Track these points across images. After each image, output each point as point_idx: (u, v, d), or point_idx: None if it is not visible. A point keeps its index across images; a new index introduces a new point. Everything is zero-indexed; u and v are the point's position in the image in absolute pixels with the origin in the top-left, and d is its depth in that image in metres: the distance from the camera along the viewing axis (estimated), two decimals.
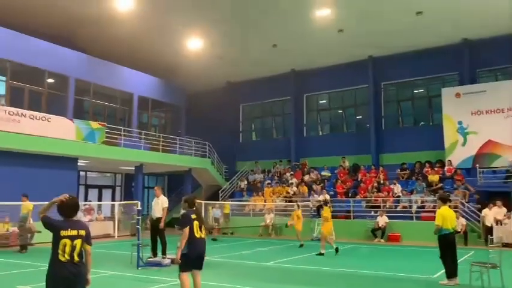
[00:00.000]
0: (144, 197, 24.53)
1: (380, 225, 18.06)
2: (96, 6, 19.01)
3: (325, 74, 25.11)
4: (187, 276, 6.48)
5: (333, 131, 26.31)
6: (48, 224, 4.47)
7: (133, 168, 22.22)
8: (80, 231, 4.53)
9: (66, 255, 4.38)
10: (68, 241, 4.41)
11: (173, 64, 24.76)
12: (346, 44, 22.03)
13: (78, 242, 4.48)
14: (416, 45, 21.79)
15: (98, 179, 25.73)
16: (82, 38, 21.87)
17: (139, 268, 10.63)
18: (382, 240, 17.75)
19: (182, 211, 11.44)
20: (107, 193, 25.87)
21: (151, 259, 11.44)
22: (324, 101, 26.66)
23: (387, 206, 19.06)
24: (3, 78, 18.51)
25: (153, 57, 23.98)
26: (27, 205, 14.41)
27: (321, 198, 19.96)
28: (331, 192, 21.09)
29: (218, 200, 23.04)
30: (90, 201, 22.56)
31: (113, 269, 10.56)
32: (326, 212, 14.00)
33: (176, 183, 26.80)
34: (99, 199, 24.81)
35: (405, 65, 22.81)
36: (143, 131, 22.54)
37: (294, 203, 17.81)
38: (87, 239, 4.60)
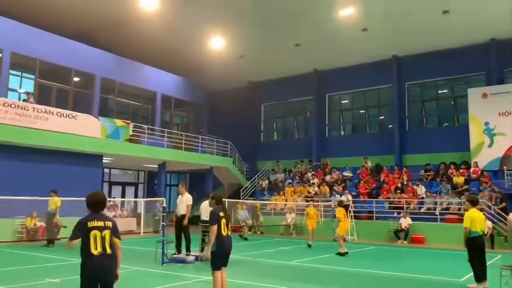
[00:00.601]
0: (166, 194, 24.81)
1: (403, 227, 17.83)
2: (122, 7, 19.34)
3: (348, 73, 24.92)
4: (219, 274, 6.50)
5: (355, 131, 26.09)
6: (76, 228, 4.59)
7: (156, 166, 22.49)
8: (106, 222, 4.62)
9: (98, 247, 4.46)
10: (97, 232, 4.49)
11: (196, 63, 24.96)
12: (370, 43, 21.82)
13: (107, 233, 4.54)
14: (442, 44, 21.44)
15: (121, 176, 26.12)
16: (108, 38, 22.24)
17: (164, 264, 10.76)
18: (406, 242, 17.53)
19: (200, 207, 11.63)
20: (130, 190, 26.24)
21: (175, 256, 11.56)
22: (347, 101, 26.46)
23: (411, 208, 18.80)
24: (32, 76, 19.01)
25: (176, 56, 24.23)
26: (55, 201, 14.74)
27: (343, 198, 19.82)
28: (353, 193, 20.93)
29: (239, 199, 23.09)
30: (114, 197, 22.95)
31: (138, 265, 10.70)
32: (339, 212, 13.82)
33: (198, 182, 26.99)
34: (123, 196, 25.19)
35: (430, 64, 22.45)
36: (166, 130, 22.78)
37: (310, 203, 17.75)
38: (114, 232, 4.65)
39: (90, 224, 4.53)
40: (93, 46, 20.65)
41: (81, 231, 4.51)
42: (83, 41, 20.25)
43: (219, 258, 6.51)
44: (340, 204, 14.60)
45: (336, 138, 26.18)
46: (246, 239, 18.27)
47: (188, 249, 11.67)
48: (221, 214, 6.63)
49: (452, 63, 21.74)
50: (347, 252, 13.27)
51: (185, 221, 11.58)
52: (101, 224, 4.56)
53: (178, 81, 25.38)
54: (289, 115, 28.36)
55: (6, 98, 16.83)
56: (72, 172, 17.43)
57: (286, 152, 26.69)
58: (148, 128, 21.78)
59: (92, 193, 4.84)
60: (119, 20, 20.45)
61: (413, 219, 17.98)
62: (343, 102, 26.57)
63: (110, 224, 4.64)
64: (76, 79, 20.43)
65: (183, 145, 22.84)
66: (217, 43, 22.42)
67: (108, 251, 4.52)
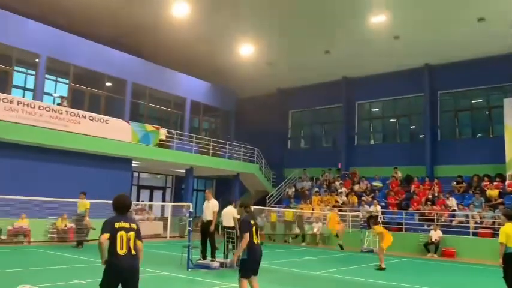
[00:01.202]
0: (193, 199, 24.97)
1: (433, 240, 17.31)
2: (154, 14, 19.71)
3: (378, 81, 24.55)
4: (247, 283, 6.44)
5: (385, 140, 25.60)
6: (104, 225, 4.70)
7: (184, 171, 22.68)
8: (131, 224, 4.77)
9: (124, 248, 4.59)
10: (123, 233, 4.63)
11: (225, 69, 25.14)
12: (401, 51, 21.44)
13: (132, 235, 4.69)
14: (477, 53, 20.84)
15: (149, 180, 26.48)
16: (139, 44, 22.71)
17: (189, 270, 10.77)
18: (436, 256, 17.01)
19: (222, 213, 11.60)
20: (157, 194, 26.56)
21: (200, 261, 11.57)
22: (377, 109, 26.05)
23: (442, 220, 18.26)
24: (66, 81, 19.54)
25: (205, 63, 24.47)
26: (85, 203, 15.02)
27: (372, 209, 19.45)
28: (382, 203, 20.50)
29: (265, 206, 22.97)
30: (142, 201, 23.26)
31: (163, 269, 10.76)
32: (378, 228, 13.32)
33: (224, 187, 27.05)
34: (150, 200, 25.50)
35: (464, 73, 21.86)
36: (194, 135, 22.97)
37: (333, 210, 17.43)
38: (138, 234, 4.79)
39: (118, 224, 4.67)
40: (125, 52, 21.09)
41: (108, 229, 4.63)
42: (115, 46, 20.71)
43: (250, 266, 6.45)
44: (370, 217, 14.20)
45: (365, 147, 25.77)
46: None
47: (213, 255, 11.66)
48: (252, 222, 6.61)
49: (487, 72, 21.09)
50: (384, 269, 12.62)
51: (212, 227, 11.57)
52: (127, 225, 4.71)
53: (207, 87, 25.61)
54: (317, 123, 28.13)
55: (42, 101, 17.35)
56: (102, 175, 17.76)
57: (313, 159, 26.45)
58: (177, 133, 22.01)
59: (119, 196, 4.99)
60: (150, 26, 20.85)
61: (444, 232, 17.44)
62: (373, 110, 26.18)
63: (135, 226, 4.80)
64: (108, 84, 20.89)
65: (211, 151, 22.96)
66: (246, 50, 22.53)
67: (133, 252, 4.67)
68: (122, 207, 4.88)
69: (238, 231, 11.67)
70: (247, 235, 6.41)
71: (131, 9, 19.61)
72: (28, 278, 8.68)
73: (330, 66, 23.94)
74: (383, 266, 12.64)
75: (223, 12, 19.37)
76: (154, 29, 21.11)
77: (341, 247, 14.63)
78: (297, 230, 20.60)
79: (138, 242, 4.79)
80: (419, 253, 17.46)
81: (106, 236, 4.59)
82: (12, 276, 9.23)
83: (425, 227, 18.36)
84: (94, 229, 15.31)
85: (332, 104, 26.63)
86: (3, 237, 15.06)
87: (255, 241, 6.50)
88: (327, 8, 18.42)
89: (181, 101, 24.25)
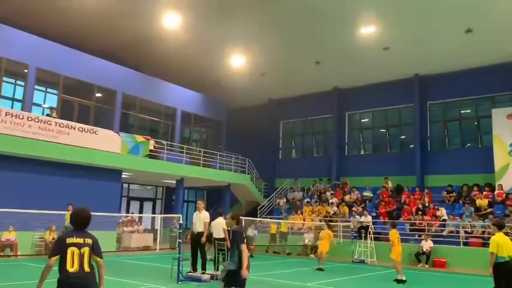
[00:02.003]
0: (184, 210, 24.77)
1: (424, 250, 17.31)
2: (144, 26, 19.77)
3: (368, 92, 24.74)
4: None
5: (376, 150, 25.73)
6: (54, 244, 4.48)
7: (174, 182, 22.52)
8: (86, 239, 4.46)
9: (75, 265, 4.31)
10: (75, 249, 4.35)
11: (216, 80, 25.19)
12: (391, 62, 21.66)
13: (86, 251, 4.39)
14: (465, 63, 21.13)
15: (139, 191, 26.25)
16: (129, 55, 22.69)
17: (179, 282, 10.63)
18: (427, 266, 17.00)
19: (212, 224, 11.49)
20: (147, 206, 26.31)
21: (190, 273, 11.42)
22: (367, 120, 26.21)
23: (432, 230, 18.29)
24: (56, 91, 19.41)
25: (196, 73, 24.51)
26: None
27: (363, 219, 19.44)
28: (373, 214, 20.50)
29: (256, 217, 22.86)
30: (132, 212, 23.02)
31: (153, 282, 10.61)
32: (393, 235, 12.61)
33: (215, 198, 26.92)
34: (140, 211, 25.26)
35: (453, 84, 22.12)
36: (185, 146, 22.88)
37: (324, 223, 17.35)
38: (94, 250, 4.49)
39: (69, 240, 4.39)
40: (115, 63, 21.01)
41: (59, 248, 4.37)
42: (105, 57, 20.63)
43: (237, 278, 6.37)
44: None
45: (356, 157, 25.86)
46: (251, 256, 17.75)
47: (204, 268, 11.53)
48: (244, 234, 6.57)
49: (476, 83, 21.36)
50: (405, 281, 12.11)
51: (203, 239, 11.46)
52: (80, 240, 4.41)
53: (198, 97, 25.59)
54: (308, 133, 28.21)
55: (31, 112, 17.18)
56: (92, 186, 17.58)
57: (304, 170, 26.49)
58: (167, 143, 21.91)
59: (76, 209, 4.70)
60: (140, 38, 20.85)
61: (435, 242, 17.46)
62: (363, 120, 26.33)
63: (90, 241, 4.47)
64: (98, 95, 20.78)
65: (201, 161, 22.86)
66: (238, 61, 22.59)
67: (86, 269, 4.35)
68: (78, 222, 4.55)
69: (228, 243, 11.59)
70: (245, 246, 6.34)
71: (123, 22, 19.61)
72: None
73: (321, 76, 24.10)
74: (401, 278, 12.13)
75: (215, 24, 19.45)
76: (144, 41, 21.11)
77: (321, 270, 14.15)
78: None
79: (97, 259, 4.49)
80: (410, 263, 17.42)
81: (54, 259, 4.33)
82: None
83: (416, 237, 18.37)
84: None
85: (323, 114, 26.75)
86: None
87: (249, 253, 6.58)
88: (318, 19, 18.59)
89: (172, 112, 24.18)
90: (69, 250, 4.32)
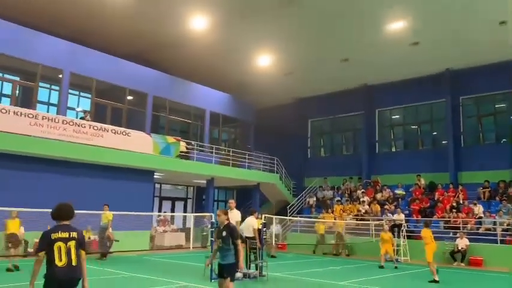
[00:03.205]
0: (214, 210, 25.01)
1: (460, 248, 16.91)
2: (173, 28, 20.06)
3: (398, 88, 24.34)
4: None
5: (407, 147, 25.25)
6: (40, 240, 4.49)
7: (205, 182, 22.80)
8: (71, 233, 4.53)
9: (63, 259, 4.39)
10: (61, 244, 4.42)
11: (243, 80, 25.31)
12: (421, 57, 21.22)
13: (72, 244, 4.47)
14: (500, 56, 20.44)
15: (171, 191, 26.69)
16: (159, 57, 23.08)
17: (212, 281, 10.75)
18: (463, 264, 16.60)
19: (243, 223, 11.60)
20: (179, 205, 26.73)
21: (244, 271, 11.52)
22: (398, 116, 25.78)
23: (468, 228, 17.84)
24: (89, 95, 19.96)
25: (224, 74, 24.70)
26: (108, 215, 15.21)
27: (395, 217, 19.15)
28: (406, 212, 20.16)
29: (286, 216, 22.84)
30: (164, 212, 23.45)
31: (186, 280, 10.79)
32: (425, 232, 12.51)
33: (245, 198, 27.08)
34: (172, 211, 25.68)
35: (486, 78, 21.48)
36: (214, 146, 23.13)
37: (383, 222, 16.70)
38: (80, 243, 4.56)
39: (54, 235, 4.45)
40: (145, 66, 21.45)
41: (45, 243, 4.43)
42: (135, 61, 21.10)
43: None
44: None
45: (387, 154, 25.48)
46: (274, 256, 17.44)
47: (237, 266, 11.59)
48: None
49: (510, 76, 20.65)
50: (438, 281, 11.91)
51: None
52: (65, 235, 4.48)
53: (226, 98, 25.80)
54: (337, 131, 27.98)
55: (65, 116, 17.74)
56: (126, 187, 18.00)
57: (334, 168, 26.28)
58: (197, 144, 22.20)
59: (59, 204, 4.74)
60: (168, 40, 21.20)
61: (470, 240, 17.03)
62: (393, 117, 25.92)
63: (75, 235, 4.55)
64: (129, 98, 21.24)
65: (231, 161, 23.05)
66: (264, 60, 22.66)
67: (74, 262, 4.45)
68: (60, 216, 4.62)
69: (259, 241, 11.66)
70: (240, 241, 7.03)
71: (151, 25, 19.97)
72: None
73: (349, 74, 23.86)
74: (436, 278, 11.93)
75: (241, 24, 19.55)
76: (173, 43, 21.44)
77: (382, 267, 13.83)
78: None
79: (81, 252, 4.58)
80: (445, 262, 17.06)
81: (42, 254, 4.41)
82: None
83: (451, 235, 17.96)
84: (117, 241, 15.51)
85: (352, 112, 26.48)
86: (30, 249, 15.34)
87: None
88: (345, 16, 18.42)
89: (201, 113, 24.47)
90: (56, 245, 4.39)
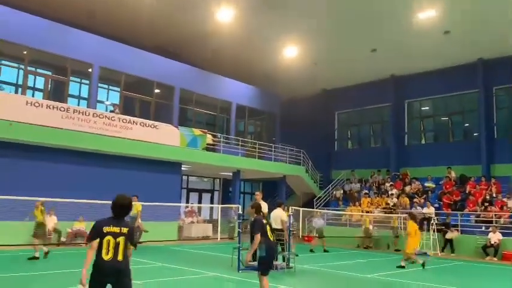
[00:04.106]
0: (241, 202, 25.18)
1: (492, 242, 16.46)
2: (199, 21, 20.16)
3: (428, 78, 23.75)
4: (266, 279, 6.74)
5: (438, 139, 24.67)
6: (92, 230, 4.55)
7: (231, 174, 22.92)
8: (122, 229, 4.52)
9: (110, 253, 4.42)
10: (111, 238, 4.44)
11: (269, 72, 25.20)
12: (452, 46, 20.63)
13: (121, 240, 4.47)
14: None
15: (198, 183, 26.97)
16: (185, 50, 23.27)
17: (240, 271, 10.83)
18: (495, 259, 16.16)
19: (271, 215, 11.63)
20: (206, 197, 27.00)
21: (251, 263, 11.57)
22: (427, 108, 25.20)
23: (501, 222, 17.33)
24: (118, 89, 20.30)
25: (250, 66, 24.67)
26: (137, 205, 15.45)
27: (425, 210, 18.80)
28: (436, 205, 19.74)
29: (313, 208, 22.72)
30: (192, 203, 23.73)
31: (214, 271, 10.89)
32: (411, 226, 12.72)
33: (270, 190, 27.08)
34: (199, 203, 25.96)
35: None
36: (240, 138, 23.18)
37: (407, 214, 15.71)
38: (130, 238, 4.57)
39: (106, 229, 4.47)
40: (172, 59, 21.63)
41: (96, 234, 4.49)
42: (162, 54, 21.31)
43: (268, 263, 6.81)
44: (413, 217, 13.24)
45: (416, 147, 24.97)
46: (312, 250, 17.23)
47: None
48: (264, 221, 6.94)
49: None
50: (403, 267, 12.69)
51: None
52: (116, 230, 4.48)
53: (252, 91, 25.79)
54: (365, 123, 27.58)
55: (95, 109, 18.11)
56: (154, 179, 18.28)
57: (361, 161, 25.96)
58: (223, 137, 22.31)
59: (118, 197, 4.70)
60: (195, 33, 21.29)
61: (504, 234, 16.54)
62: (423, 109, 25.34)
63: (125, 230, 4.53)
64: (157, 91, 21.50)
65: (257, 154, 23.07)
66: (291, 51, 22.50)
67: (120, 257, 4.46)
68: (117, 210, 4.63)
69: (286, 234, 11.65)
70: (259, 235, 6.67)
71: (178, 18, 20.12)
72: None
73: (377, 64, 23.44)
74: (403, 264, 12.71)
75: (267, 15, 19.46)
76: (199, 36, 21.54)
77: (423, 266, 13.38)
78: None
79: (129, 247, 4.58)
80: (477, 256, 16.68)
81: (95, 242, 4.46)
82: (71, 276, 9.65)
83: (483, 229, 17.50)
84: (147, 231, 15.78)
85: (380, 103, 26.03)
86: (64, 239, 15.82)
87: (271, 239, 6.84)
88: (374, 5, 18.07)
89: (227, 105, 24.56)
90: (105, 239, 4.44)
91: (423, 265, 12.59)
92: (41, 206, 12.15)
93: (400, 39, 20.48)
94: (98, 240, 4.45)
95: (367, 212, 21.18)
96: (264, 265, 6.73)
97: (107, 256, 4.41)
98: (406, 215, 15.70)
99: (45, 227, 12.49)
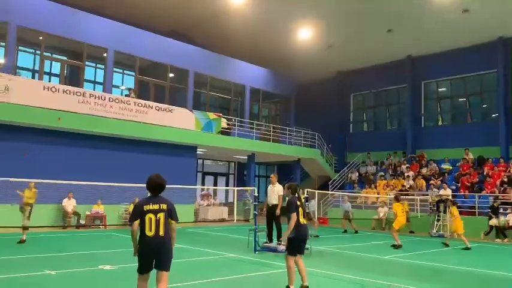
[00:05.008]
0: (256, 184, 25.27)
1: (510, 224, 16.27)
2: (212, 4, 19.96)
3: (446, 59, 23.30)
4: (293, 260, 6.67)
5: (455, 121, 24.32)
6: (133, 211, 4.82)
7: (246, 157, 22.98)
8: (161, 205, 4.77)
9: (152, 230, 4.66)
10: (152, 215, 4.69)
11: (283, 55, 24.99)
12: (471, 25, 20.16)
13: (161, 216, 4.72)
14: None
15: (213, 166, 27.14)
16: (199, 34, 23.15)
17: (256, 252, 10.94)
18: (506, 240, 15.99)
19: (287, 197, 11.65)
20: (221, 180, 27.17)
21: (267, 244, 11.69)
22: (445, 89, 24.78)
23: None
24: (133, 73, 20.38)
25: (264, 49, 24.47)
26: None
27: (441, 192, 18.63)
28: (453, 187, 19.55)
29: (328, 191, 22.70)
30: (208, 187, 23.93)
31: (232, 252, 11.02)
32: (396, 207, 13.18)
33: (285, 173, 27.10)
34: (215, 186, 26.14)
35: None
36: (255, 122, 23.15)
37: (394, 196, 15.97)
38: (170, 214, 4.79)
39: (146, 207, 4.73)
40: (186, 42, 21.57)
41: (138, 214, 4.73)
42: (176, 38, 21.24)
43: (296, 244, 6.71)
44: (396, 198, 13.55)
45: (433, 128, 24.67)
46: (356, 232, 17.79)
47: (279, 238, 11.73)
48: (298, 203, 6.87)
49: None
50: (401, 246, 12.94)
51: (278, 211, 11.64)
52: (156, 207, 4.74)
53: (266, 74, 25.63)
54: (381, 105, 27.28)
55: (111, 93, 18.23)
56: (170, 162, 18.40)
57: (377, 143, 25.77)
58: (237, 120, 22.31)
59: (151, 176, 4.93)
60: (208, 16, 21.14)
61: None
62: (440, 90, 24.93)
63: (165, 206, 4.79)
64: (171, 75, 21.52)
65: (271, 137, 23.05)
66: (305, 34, 22.24)
67: (161, 233, 4.70)
68: (152, 188, 4.87)
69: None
70: (294, 215, 6.66)
71: (191, 1, 19.96)
72: (107, 259, 9.23)
73: (393, 45, 23.08)
74: (397, 244, 12.92)
75: None
76: (212, 19, 21.38)
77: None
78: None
79: (171, 222, 4.82)
80: (494, 238, 16.51)
81: (137, 223, 4.71)
82: (93, 257, 9.88)
83: (501, 210, 17.29)
84: None
85: (396, 84, 25.70)
86: (83, 221, 16.14)
87: (301, 221, 6.75)
88: None
89: (241, 89, 24.49)
90: (147, 217, 4.68)
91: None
92: (34, 188, 12.08)
93: (417, 18, 20.05)
94: (138, 220, 4.72)
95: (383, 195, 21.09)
96: (291, 246, 6.71)
97: (150, 233, 4.67)
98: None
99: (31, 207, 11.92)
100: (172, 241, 4.84)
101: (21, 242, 11.39)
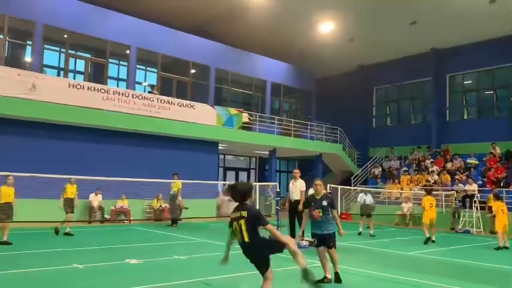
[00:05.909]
0: (277, 180, 25.26)
1: None
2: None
3: (471, 51, 22.71)
4: (319, 251, 7.39)
5: (481, 114, 23.74)
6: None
7: (267, 152, 22.97)
8: (241, 212, 4.88)
9: (238, 236, 4.89)
10: (235, 223, 4.89)
11: (304, 49, 24.82)
12: (498, 16, 19.60)
13: (242, 223, 4.84)
14: None
15: (234, 162, 27.25)
16: (220, 30, 23.21)
17: None
18: None
19: (308, 193, 11.58)
20: (242, 175, 27.27)
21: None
22: (470, 82, 24.21)
23: None
24: (155, 69, 20.57)
25: (284, 44, 24.36)
26: (177, 183, 15.83)
27: (467, 187, 18.26)
28: (479, 182, 19.13)
29: (350, 186, 22.51)
30: (229, 181, 24.04)
31: None
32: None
33: (307, 168, 26.99)
34: (236, 181, 26.23)
35: None
36: (276, 117, 23.09)
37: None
38: (252, 220, 4.82)
39: (232, 215, 4.98)
40: (207, 38, 21.63)
41: (230, 221, 5.03)
42: (197, 34, 21.33)
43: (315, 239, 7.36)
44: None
45: (459, 122, 24.15)
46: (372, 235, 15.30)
47: (302, 234, 11.69)
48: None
49: None
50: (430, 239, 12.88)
51: (300, 207, 11.59)
52: (236, 215, 4.91)
53: (287, 68, 25.51)
54: (405, 99, 26.85)
55: (134, 90, 18.47)
56: (192, 157, 18.63)
57: (400, 138, 25.39)
58: (259, 115, 22.31)
59: (229, 185, 5.15)
60: (229, 11, 21.18)
61: None
62: (466, 82, 24.36)
63: (244, 213, 4.87)
64: (193, 71, 21.64)
65: (292, 132, 22.98)
66: (326, 27, 22.03)
67: (246, 239, 4.82)
68: (233, 197, 5.03)
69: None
70: (307, 211, 7.30)
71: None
72: (133, 253, 9.39)
73: (417, 38, 22.61)
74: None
75: None
76: (233, 14, 21.42)
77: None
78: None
79: (265, 227, 4.85)
80: None
81: (229, 230, 5.03)
82: (119, 251, 10.07)
83: None
84: (187, 208, 16.18)
85: (420, 78, 25.23)
86: (107, 216, 16.44)
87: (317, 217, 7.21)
88: None
89: (262, 84, 24.45)
90: (234, 225, 4.94)
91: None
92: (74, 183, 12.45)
93: (442, 10, 19.62)
94: (231, 229, 5.01)
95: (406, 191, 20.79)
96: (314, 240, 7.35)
97: (239, 240, 4.91)
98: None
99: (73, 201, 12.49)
100: (276, 237, 4.86)
101: (68, 234, 12.07)
